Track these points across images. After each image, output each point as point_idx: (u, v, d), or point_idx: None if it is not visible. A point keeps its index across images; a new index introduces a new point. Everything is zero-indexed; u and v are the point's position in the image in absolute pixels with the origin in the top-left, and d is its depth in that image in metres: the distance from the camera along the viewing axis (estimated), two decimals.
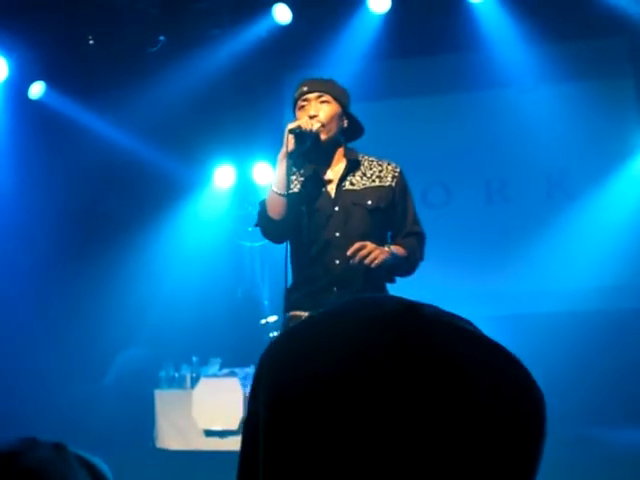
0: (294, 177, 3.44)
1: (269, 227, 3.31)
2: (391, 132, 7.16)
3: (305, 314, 3.25)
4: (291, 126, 3.23)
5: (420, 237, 3.49)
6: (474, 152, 7.02)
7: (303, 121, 3.28)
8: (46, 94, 6.98)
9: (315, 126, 3.29)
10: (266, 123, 7.24)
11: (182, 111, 6.88)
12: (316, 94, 3.40)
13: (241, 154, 7.47)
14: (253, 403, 0.73)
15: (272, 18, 6.49)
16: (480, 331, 0.74)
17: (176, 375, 6.74)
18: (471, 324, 0.74)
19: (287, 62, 7.15)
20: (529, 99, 6.72)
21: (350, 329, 0.71)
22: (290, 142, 3.23)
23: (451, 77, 6.99)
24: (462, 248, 6.85)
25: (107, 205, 7.66)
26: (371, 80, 6.88)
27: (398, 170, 3.48)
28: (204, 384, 6.50)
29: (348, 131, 3.49)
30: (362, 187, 3.39)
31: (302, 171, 3.44)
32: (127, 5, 6.69)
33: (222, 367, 6.74)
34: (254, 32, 6.61)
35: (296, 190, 3.38)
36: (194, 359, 6.83)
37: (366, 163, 3.46)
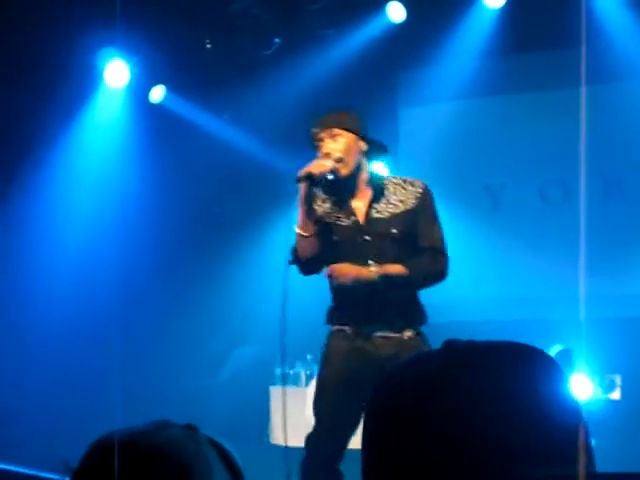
0: (327, 205, 3.64)
1: (302, 267, 3.68)
2: (508, 128, 7.04)
3: (349, 329, 3.57)
4: (300, 174, 3.44)
5: (434, 252, 3.55)
6: (592, 148, 6.81)
7: (313, 165, 3.45)
8: (166, 98, 7.18)
9: (327, 166, 3.44)
10: (380, 122, 7.21)
11: (297, 112, 6.95)
12: (327, 131, 3.53)
13: None
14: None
15: (386, 16, 6.49)
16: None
17: (291, 372, 6.82)
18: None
19: (401, 61, 7.13)
20: None
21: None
22: (302, 189, 3.47)
23: (569, 71, 6.80)
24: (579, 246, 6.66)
25: (223, 205, 7.82)
26: (487, 76, 6.78)
27: (421, 190, 3.56)
28: None
29: (370, 152, 3.60)
30: (388, 215, 3.54)
31: (334, 200, 3.62)
32: (242, 10, 6.82)
33: None
34: (368, 31, 6.61)
35: (326, 219, 3.60)
36: (308, 357, 6.89)
37: (391, 187, 3.57)
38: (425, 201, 3.56)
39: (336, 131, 3.53)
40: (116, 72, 6.77)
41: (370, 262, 3.47)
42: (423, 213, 3.55)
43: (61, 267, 6.80)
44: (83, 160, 6.94)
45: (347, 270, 3.47)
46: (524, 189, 7.03)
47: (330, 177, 3.48)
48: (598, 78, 6.66)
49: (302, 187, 3.46)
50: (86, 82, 6.82)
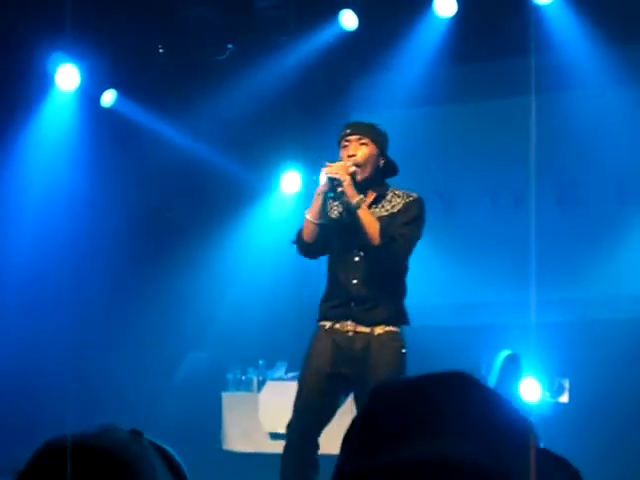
0: (335, 204, 3.98)
1: (302, 248, 3.96)
2: (460, 135, 7.12)
3: (328, 324, 3.91)
4: (327, 171, 3.76)
5: (395, 238, 3.84)
6: (544, 155, 6.93)
7: (337, 167, 3.78)
8: (117, 102, 7.14)
9: (349, 170, 3.78)
10: (332, 129, 7.26)
11: (250, 117, 6.97)
12: (357, 136, 3.87)
13: (307, 160, 7.52)
14: None
15: (338, 24, 6.53)
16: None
17: (243, 378, 6.82)
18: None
19: (353, 68, 7.18)
20: (598, 101, 6.61)
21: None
22: (324, 185, 3.78)
23: (519, 80, 6.91)
24: (532, 252, 6.76)
25: (175, 210, 7.80)
26: (438, 84, 6.86)
27: (410, 199, 3.94)
28: (270, 387, 6.55)
29: (384, 170, 3.96)
30: (377, 217, 3.88)
31: (341, 201, 3.93)
32: (196, 14, 6.82)
33: (288, 371, 6.79)
34: (320, 38, 6.65)
35: (334, 216, 3.96)
36: (260, 362, 6.90)
37: (389, 196, 3.95)
38: (410, 207, 3.92)
39: (365, 139, 3.86)
40: (67, 76, 6.72)
41: (356, 259, 3.87)
42: (404, 213, 3.91)
43: (8, 271, 6.71)
44: (34, 163, 6.87)
45: (343, 169, 3.75)
46: (476, 195, 7.12)
47: (349, 176, 3.77)
48: (548, 86, 6.78)
49: (325, 183, 3.78)
50: (37, 86, 6.76)
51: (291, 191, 7.71)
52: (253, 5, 6.78)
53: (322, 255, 4.03)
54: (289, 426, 3.96)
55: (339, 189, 3.77)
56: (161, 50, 6.97)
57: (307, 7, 6.64)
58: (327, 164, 3.79)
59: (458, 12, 6.34)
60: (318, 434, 3.93)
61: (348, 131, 3.91)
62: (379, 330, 3.87)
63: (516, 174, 7.02)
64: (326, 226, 3.90)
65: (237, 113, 6.88)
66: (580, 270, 6.65)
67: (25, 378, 6.40)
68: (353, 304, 3.87)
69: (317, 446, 3.91)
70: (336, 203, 3.98)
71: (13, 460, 1.10)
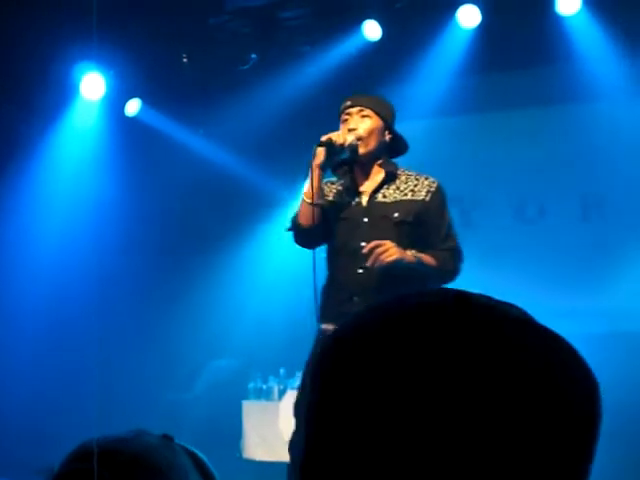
0: (334, 186, 3.56)
1: (298, 233, 3.47)
2: (484, 146, 7.10)
3: (331, 327, 3.27)
4: (322, 138, 3.34)
5: (453, 251, 3.47)
6: (569, 167, 6.89)
7: (335, 134, 3.38)
8: (142, 111, 7.18)
9: (348, 140, 3.37)
10: None
11: (273, 127, 6.99)
12: (358, 108, 3.49)
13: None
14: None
15: (362, 34, 6.54)
16: (532, 318, 0.74)
17: (264, 387, 6.82)
18: (522, 311, 0.75)
19: (376, 78, 7.18)
20: (623, 113, 6.57)
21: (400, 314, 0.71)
22: (319, 155, 3.33)
23: (543, 90, 6.90)
24: (556, 264, 6.73)
25: (198, 219, 7.82)
26: (462, 94, 6.85)
27: (435, 185, 3.49)
28: (291, 396, 6.54)
29: (391, 146, 3.55)
30: (392, 200, 3.44)
31: (342, 181, 3.55)
32: (220, 24, 6.85)
33: None
34: (344, 48, 6.67)
35: (331, 199, 3.51)
36: (281, 371, 6.90)
37: (403, 177, 3.49)
38: (438, 198, 3.49)
39: (367, 111, 3.49)
40: (92, 85, 6.77)
41: (362, 244, 3.32)
42: (437, 209, 3.48)
43: (36, 277, 6.76)
44: (60, 171, 6.92)
45: (392, 248, 3.24)
46: (499, 206, 7.09)
47: (346, 155, 3.40)
48: (573, 97, 6.75)
49: (320, 152, 3.34)
50: (63, 94, 6.82)
51: None
52: (276, 15, 6.81)
53: (322, 243, 3.50)
54: (293, 442, 3.47)
55: (337, 158, 3.39)
56: (185, 59, 7.01)
57: (330, 17, 6.65)
58: (322, 136, 3.38)
59: (481, 23, 6.33)
60: None
61: (348, 103, 3.53)
62: None
63: (540, 186, 6.99)
64: (326, 210, 3.44)
65: (261, 122, 6.91)
66: (606, 281, 6.60)
67: (50, 385, 6.44)
68: (356, 299, 3.34)
69: None
70: (335, 184, 3.57)
71: (46, 464, 1.11)
